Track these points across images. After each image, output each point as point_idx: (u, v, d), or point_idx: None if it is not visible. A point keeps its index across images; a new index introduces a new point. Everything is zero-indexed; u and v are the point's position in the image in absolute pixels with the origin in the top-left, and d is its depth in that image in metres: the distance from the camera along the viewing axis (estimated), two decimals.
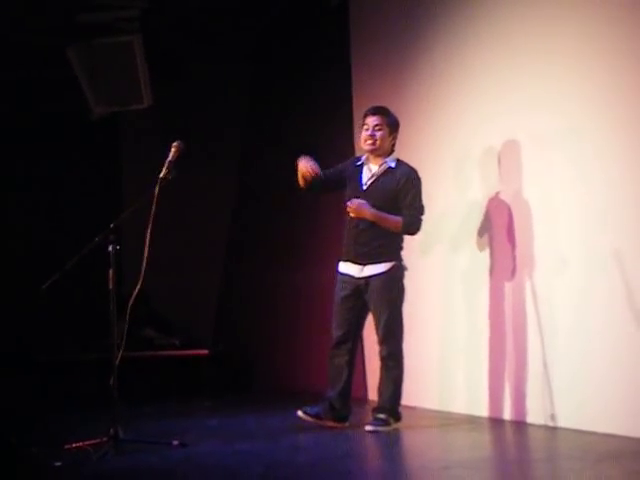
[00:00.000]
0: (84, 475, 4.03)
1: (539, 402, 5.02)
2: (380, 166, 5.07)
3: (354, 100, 6.78)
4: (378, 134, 5.04)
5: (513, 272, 5.23)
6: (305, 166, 5.02)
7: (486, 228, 5.46)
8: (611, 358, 4.60)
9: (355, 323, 5.06)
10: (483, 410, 5.44)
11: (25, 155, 7.90)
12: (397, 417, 5.02)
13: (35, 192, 7.93)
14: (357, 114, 6.77)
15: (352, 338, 5.06)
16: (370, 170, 5.09)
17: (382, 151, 5.07)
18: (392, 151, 5.11)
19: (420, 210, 5.02)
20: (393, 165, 5.06)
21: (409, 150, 6.14)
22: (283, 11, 7.61)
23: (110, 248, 4.55)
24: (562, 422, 4.86)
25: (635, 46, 4.47)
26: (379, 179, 5.05)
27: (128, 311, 4.53)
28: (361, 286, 5.00)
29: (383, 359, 5.01)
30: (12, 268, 7.61)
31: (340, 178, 5.17)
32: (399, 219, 4.97)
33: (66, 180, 8.06)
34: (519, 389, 5.18)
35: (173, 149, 4.71)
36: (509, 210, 5.28)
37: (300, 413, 5.02)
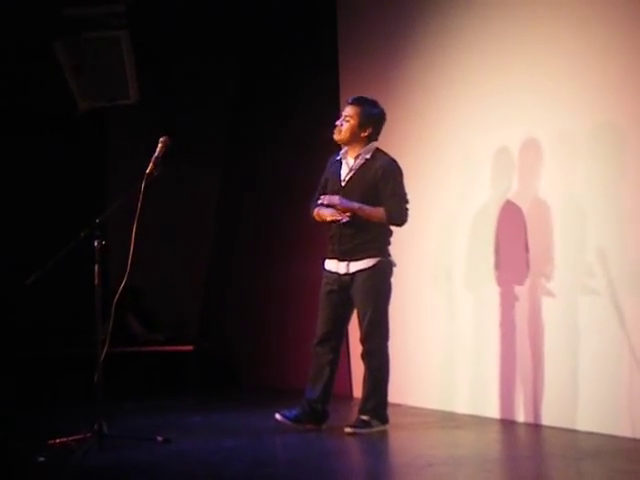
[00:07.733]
0: (68, 470, 4.02)
1: (523, 400, 5.04)
2: (356, 159, 4.94)
3: (341, 99, 6.78)
4: (345, 125, 4.90)
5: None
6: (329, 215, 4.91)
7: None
8: (593, 357, 4.63)
9: (340, 321, 4.94)
10: (467, 408, 5.46)
11: (10, 150, 7.84)
12: (382, 419, 4.85)
13: (20, 187, 7.88)
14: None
15: (336, 336, 4.94)
16: (348, 164, 4.96)
17: (350, 142, 4.92)
18: (368, 142, 4.92)
19: (403, 199, 4.86)
20: (369, 156, 4.90)
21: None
22: (271, 9, 7.60)
23: (96, 243, 4.54)
24: (545, 420, 4.89)
25: None
26: (357, 173, 4.91)
27: (114, 306, 4.53)
28: (346, 283, 4.88)
29: (363, 357, 4.88)
30: None
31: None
32: (381, 209, 4.83)
33: (51, 175, 8.01)
34: (504, 387, 5.20)
35: (160, 145, 4.71)
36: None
37: (278, 416, 4.88)
